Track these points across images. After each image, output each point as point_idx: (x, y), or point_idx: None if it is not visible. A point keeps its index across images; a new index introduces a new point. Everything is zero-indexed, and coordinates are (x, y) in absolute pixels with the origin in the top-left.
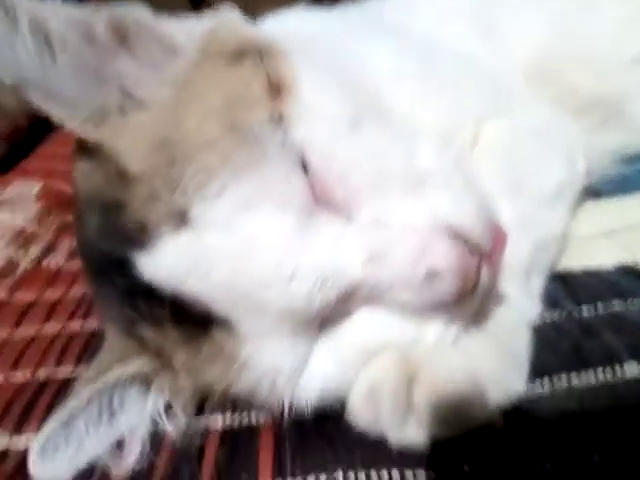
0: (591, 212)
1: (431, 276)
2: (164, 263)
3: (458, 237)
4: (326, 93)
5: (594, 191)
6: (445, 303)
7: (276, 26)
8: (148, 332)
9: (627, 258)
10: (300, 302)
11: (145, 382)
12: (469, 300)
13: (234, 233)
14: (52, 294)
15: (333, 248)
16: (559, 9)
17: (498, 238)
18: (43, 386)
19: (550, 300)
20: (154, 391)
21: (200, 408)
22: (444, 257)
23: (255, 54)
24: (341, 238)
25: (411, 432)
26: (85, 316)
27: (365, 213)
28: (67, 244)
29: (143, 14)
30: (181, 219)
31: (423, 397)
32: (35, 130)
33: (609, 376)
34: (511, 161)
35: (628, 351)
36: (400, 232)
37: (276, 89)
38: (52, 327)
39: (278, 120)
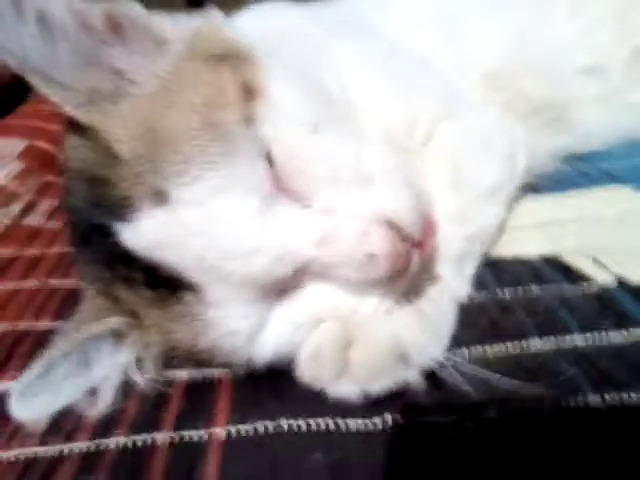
0: (527, 206)
1: (368, 258)
2: (143, 234)
3: (393, 227)
4: (292, 99)
5: (534, 187)
6: (380, 280)
7: (253, 23)
8: (123, 293)
9: (552, 250)
10: (260, 273)
11: (118, 337)
12: (400, 279)
13: (206, 212)
14: (31, 252)
15: (290, 229)
16: (517, 22)
17: (429, 228)
18: (22, 336)
19: (479, 282)
20: (126, 345)
21: (168, 363)
22: (379, 243)
23: (233, 59)
24: (297, 221)
25: (345, 387)
26: (64, 274)
27: (319, 202)
28: (47, 204)
29: (137, 9)
30: (161, 198)
31: (356, 359)
32: (18, 87)
33: (517, 349)
34: (456, 159)
35: (535, 329)
36: (346, 220)
37: (249, 93)
38: (31, 283)
39: (249, 120)
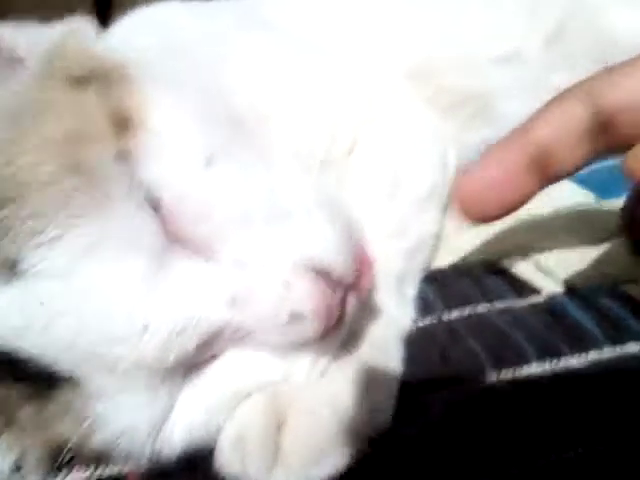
0: None
1: (295, 318)
2: None
3: (321, 273)
4: (179, 126)
5: None
6: (311, 341)
7: (134, 33)
8: None
9: (490, 255)
10: (153, 356)
11: None
12: (336, 333)
13: (74, 283)
14: None
15: (191, 292)
16: (434, 16)
17: (364, 264)
18: None
19: (422, 303)
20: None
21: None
22: (306, 298)
23: (101, 82)
24: (199, 281)
25: (280, 479)
26: None
27: (225, 252)
28: None
29: None
30: (11, 269)
31: (290, 443)
32: None
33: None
34: (384, 167)
35: (489, 358)
36: (262, 273)
37: (123, 122)
38: None
39: (125, 157)
